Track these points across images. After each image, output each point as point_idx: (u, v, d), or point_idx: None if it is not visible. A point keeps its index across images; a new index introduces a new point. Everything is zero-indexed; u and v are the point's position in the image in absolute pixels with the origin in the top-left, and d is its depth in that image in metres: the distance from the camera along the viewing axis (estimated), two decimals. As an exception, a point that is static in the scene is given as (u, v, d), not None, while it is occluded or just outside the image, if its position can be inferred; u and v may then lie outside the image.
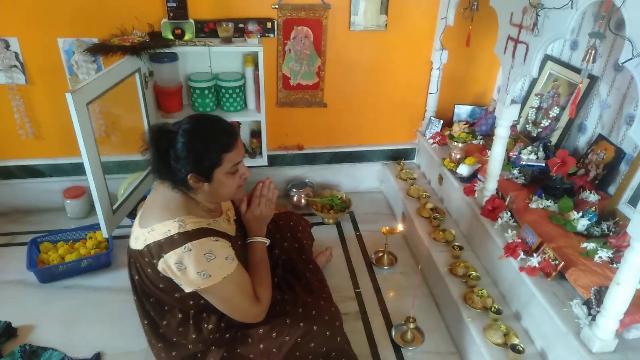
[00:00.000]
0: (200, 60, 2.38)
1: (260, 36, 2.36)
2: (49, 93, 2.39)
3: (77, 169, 2.54)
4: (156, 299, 1.50)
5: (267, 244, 1.67)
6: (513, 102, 1.83)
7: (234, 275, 1.42)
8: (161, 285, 1.43)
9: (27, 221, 2.57)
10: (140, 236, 1.41)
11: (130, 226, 2.37)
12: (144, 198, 2.39)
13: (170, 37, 2.21)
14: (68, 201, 2.54)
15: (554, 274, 1.62)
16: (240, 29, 2.34)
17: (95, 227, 2.34)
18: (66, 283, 2.14)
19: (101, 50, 2.10)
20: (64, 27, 2.25)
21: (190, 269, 1.35)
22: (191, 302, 1.48)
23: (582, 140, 2.15)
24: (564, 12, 1.48)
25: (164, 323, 1.53)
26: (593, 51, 1.36)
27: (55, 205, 2.62)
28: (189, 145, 1.34)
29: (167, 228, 1.36)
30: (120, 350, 1.83)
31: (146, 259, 1.40)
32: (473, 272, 1.92)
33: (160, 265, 1.37)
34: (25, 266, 2.10)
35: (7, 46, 2.26)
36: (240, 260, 1.48)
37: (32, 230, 2.44)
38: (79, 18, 2.24)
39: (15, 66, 2.31)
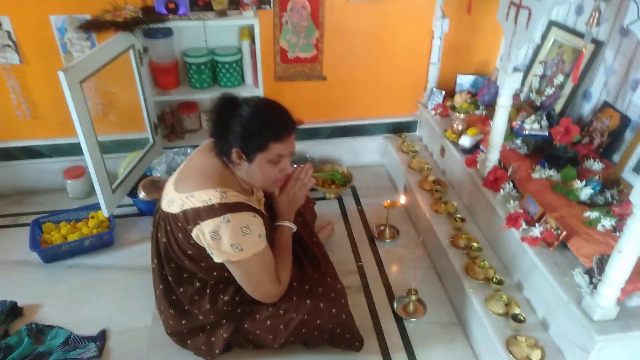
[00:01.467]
0: (196, 35, 2.33)
1: (256, 8, 2.30)
2: (44, 72, 2.35)
3: (76, 149, 2.50)
4: (177, 264, 1.52)
5: (293, 231, 1.68)
6: (515, 70, 1.78)
7: (263, 253, 1.45)
8: (189, 252, 1.45)
9: (30, 202, 2.57)
10: (177, 200, 1.42)
11: (131, 205, 2.43)
12: (144, 176, 2.39)
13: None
14: (69, 181, 2.54)
15: (556, 243, 1.60)
16: (235, 2, 2.28)
17: (97, 206, 2.32)
18: (70, 262, 2.16)
19: (94, 26, 2.06)
20: (55, 4, 2.20)
21: (224, 240, 1.36)
22: (215, 273, 1.51)
23: (586, 108, 2.11)
24: (568, -27, 1.42)
25: (180, 290, 1.56)
26: (597, 14, 1.31)
27: (57, 185, 2.62)
28: (245, 123, 1.36)
29: (209, 196, 1.37)
30: (125, 326, 1.85)
31: (179, 224, 1.41)
32: (475, 244, 1.91)
33: (195, 232, 1.38)
34: (28, 247, 2.12)
35: (-1, 25, 2.22)
36: (267, 241, 1.49)
37: (34, 211, 2.45)
38: (70, -6, 2.19)
39: (8, 45, 2.27)
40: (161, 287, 1.60)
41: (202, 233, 1.37)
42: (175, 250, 1.48)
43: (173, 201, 1.43)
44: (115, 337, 1.81)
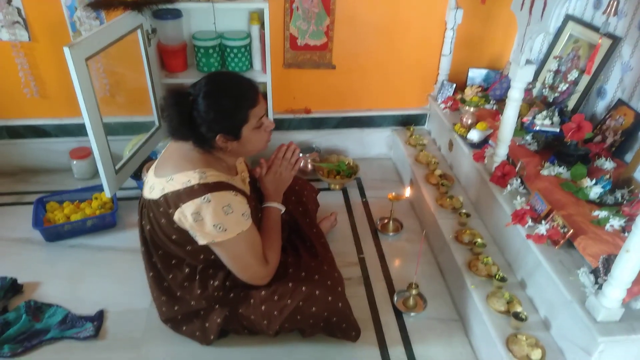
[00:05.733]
0: (205, 18, 2.30)
1: (267, -8, 2.27)
2: (53, 51, 2.35)
3: (82, 130, 2.45)
4: (165, 251, 1.51)
5: (282, 211, 1.66)
6: (528, 62, 1.74)
7: (248, 233, 1.42)
8: (174, 237, 1.43)
9: (35, 181, 2.58)
10: (157, 185, 1.40)
11: (135, 188, 2.42)
12: (148, 159, 2.38)
13: None
14: (74, 162, 2.54)
15: (562, 242, 1.56)
16: (245, -15, 2.25)
17: (101, 187, 2.32)
18: (71, 242, 2.16)
19: (102, 5, 2.04)
20: (65, -18, 2.19)
21: (207, 221, 1.34)
22: (201, 257, 1.48)
23: (600, 106, 2.05)
24: (587, -38, 1.37)
25: (170, 276, 1.54)
26: (615, 3, 1.26)
27: (62, 165, 2.62)
28: (217, 106, 1.33)
29: (188, 178, 1.35)
30: (123, 307, 1.85)
31: (161, 209, 1.39)
32: (479, 240, 1.88)
33: (177, 215, 1.36)
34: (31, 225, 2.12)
35: (9, 1, 2.21)
36: (253, 221, 1.47)
37: (39, 190, 2.45)
38: (80, -28, 2.17)
39: (17, 22, 2.26)
40: (151, 274, 1.58)
41: (184, 215, 1.35)
42: (160, 236, 1.46)
43: (154, 187, 1.41)
44: (113, 318, 1.81)
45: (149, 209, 1.44)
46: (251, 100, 1.37)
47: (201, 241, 1.38)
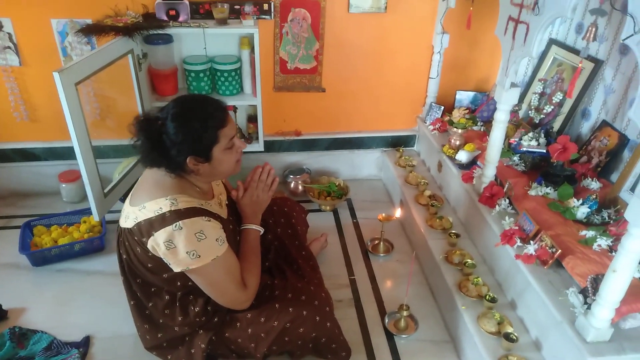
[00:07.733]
0: (196, 42, 2.33)
1: (257, 18, 2.31)
2: (44, 75, 2.35)
3: (71, 153, 2.44)
4: (143, 279, 1.49)
5: (261, 233, 1.65)
6: (513, 85, 1.77)
7: (223, 258, 1.40)
8: (149, 265, 1.41)
9: (23, 205, 2.55)
10: (131, 214, 1.39)
11: (123, 210, 2.40)
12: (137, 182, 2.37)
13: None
14: (63, 185, 2.53)
15: (550, 262, 1.57)
16: (236, 11, 2.29)
17: (89, 211, 2.31)
18: (59, 267, 2.13)
19: (94, 30, 2.06)
20: (57, 8, 2.22)
21: (180, 248, 1.33)
22: (179, 284, 1.46)
23: (585, 127, 2.09)
24: (566, -11, 1.41)
25: (150, 304, 1.52)
26: (594, 29, 1.30)
27: (51, 189, 2.60)
28: (185, 128, 1.32)
29: (159, 206, 1.34)
30: (110, 334, 1.81)
31: (135, 238, 1.38)
32: (469, 260, 1.88)
33: (150, 244, 1.34)
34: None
35: (0, 27, 2.23)
36: (230, 245, 1.46)
37: (27, 214, 2.43)
38: (72, -2, 2.20)
39: (9, 47, 2.28)
40: (132, 302, 1.56)
41: (157, 244, 1.33)
42: (136, 265, 1.45)
43: (128, 216, 1.40)
44: (100, 344, 1.78)
45: (125, 237, 1.43)
46: (219, 121, 1.36)
47: (176, 269, 1.36)
